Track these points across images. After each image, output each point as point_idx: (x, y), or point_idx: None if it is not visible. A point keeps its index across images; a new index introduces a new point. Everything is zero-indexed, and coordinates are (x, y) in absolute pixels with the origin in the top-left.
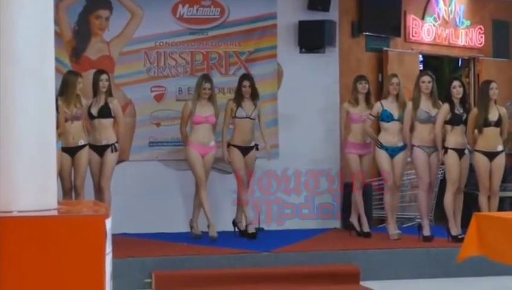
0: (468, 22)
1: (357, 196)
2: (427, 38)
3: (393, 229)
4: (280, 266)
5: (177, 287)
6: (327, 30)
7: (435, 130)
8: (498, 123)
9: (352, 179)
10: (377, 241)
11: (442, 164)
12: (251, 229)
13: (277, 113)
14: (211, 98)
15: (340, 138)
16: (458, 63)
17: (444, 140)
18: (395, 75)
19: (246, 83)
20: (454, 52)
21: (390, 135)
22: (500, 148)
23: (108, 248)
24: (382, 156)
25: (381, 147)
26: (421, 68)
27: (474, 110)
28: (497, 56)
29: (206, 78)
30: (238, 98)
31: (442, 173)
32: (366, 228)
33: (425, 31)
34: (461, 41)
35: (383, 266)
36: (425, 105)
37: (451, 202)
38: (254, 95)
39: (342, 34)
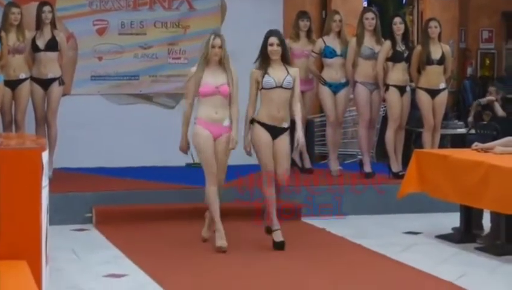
0: None
1: (299, 132)
2: None
3: (334, 166)
4: (222, 202)
5: (117, 222)
6: None
7: (376, 67)
8: (441, 61)
9: None
10: (319, 178)
11: (384, 101)
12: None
13: None
14: (223, 61)
15: None
16: (402, 1)
17: (385, 77)
18: (337, 12)
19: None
20: None
21: (333, 70)
22: (442, 85)
23: (45, 181)
24: (325, 93)
25: (325, 83)
26: (365, 5)
27: (418, 48)
28: None
29: (216, 34)
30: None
31: (384, 110)
32: (307, 164)
33: None
34: None
35: (324, 202)
36: (368, 41)
37: (393, 138)
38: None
39: None
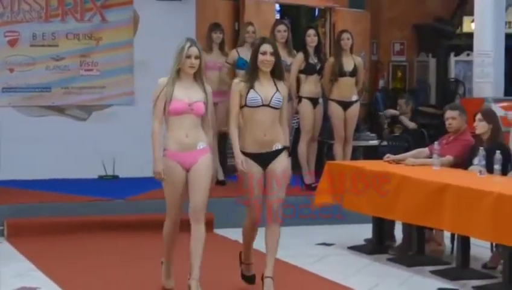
0: None
1: (212, 144)
2: None
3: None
4: (134, 214)
5: (29, 235)
6: None
7: (289, 79)
8: (353, 73)
9: None
10: (231, 190)
11: (297, 112)
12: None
13: (132, 60)
14: (198, 75)
15: None
16: (315, 13)
17: (298, 89)
18: (250, 24)
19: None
20: (310, 2)
21: None
22: (354, 98)
23: None
24: None
25: None
26: (278, 17)
27: (331, 60)
28: (353, 7)
29: (192, 41)
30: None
31: (296, 122)
32: (220, 176)
33: None
34: None
35: (236, 214)
36: (280, 53)
37: (305, 150)
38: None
39: None
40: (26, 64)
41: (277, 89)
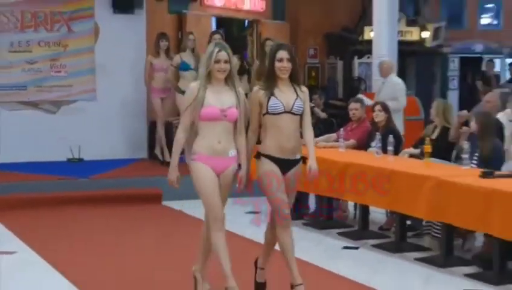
0: None
1: (160, 132)
2: (218, 3)
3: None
4: (96, 190)
5: (7, 209)
6: None
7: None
8: None
9: (156, 118)
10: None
11: None
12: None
13: (94, 63)
14: (230, 79)
15: (145, 84)
16: (244, 24)
17: None
18: (191, 33)
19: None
20: (240, 15)
21: (187, 81)
22: None
23: None
24: (181, 99)
25: (181, 92)
26: (214, 28)
27: (257, 63)
28: (276, 19)
29: (221, 46)
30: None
31: None
32: (167, 158)
33: None
34: (246, 6)
35: (182, 189)
36: None
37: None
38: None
39: None
40: (5, 67)
41: (297, 95)
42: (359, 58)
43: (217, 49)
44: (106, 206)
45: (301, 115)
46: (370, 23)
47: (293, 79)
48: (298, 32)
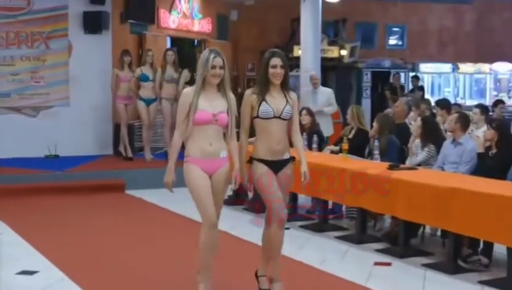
0: (200, 15)
1: (123, 132)
2: (172, 25)
3: (148, 155)
4: (70, 181)
5: None
6: (103, 18)
7: (178, 88)
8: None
9: (120, 121)
10: (137, 163)
11: None
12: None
13: (68, 75)
14: (222, 86)
15: (112, 92)
16: (194, 43)
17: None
18: (150, 50)
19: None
20: (191, 35)
21: (147, 90)
22: None
23: None
24: (141, 106)
25: (141, 99)
26: (168, 45)
27: None
28: (220, 39)
29: (216, 52)
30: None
31: None
32: (129, 154)
33: (171, 20)
34: (196, 28)
35: (142, 180)
36: (170, 70)
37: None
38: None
39: (113, 21)
40: None
41: (287, 101)
42: (290, 71)
43: (212, 55)
44: (78, 195)
45: (289, 120)
46: (298, 43)
47: (284, 86)
48: (239, 50)
